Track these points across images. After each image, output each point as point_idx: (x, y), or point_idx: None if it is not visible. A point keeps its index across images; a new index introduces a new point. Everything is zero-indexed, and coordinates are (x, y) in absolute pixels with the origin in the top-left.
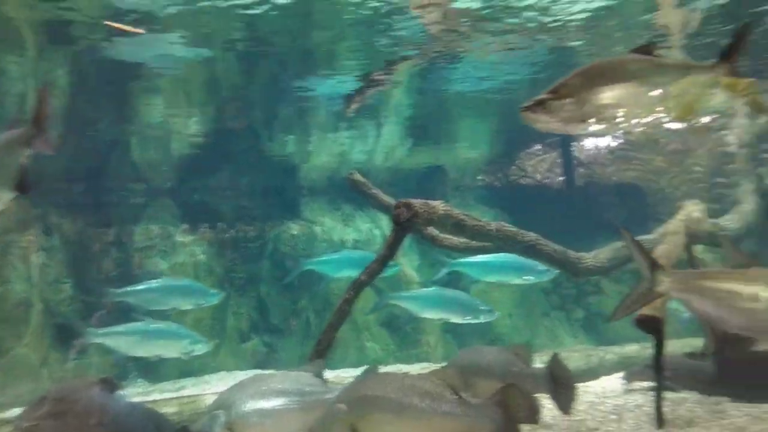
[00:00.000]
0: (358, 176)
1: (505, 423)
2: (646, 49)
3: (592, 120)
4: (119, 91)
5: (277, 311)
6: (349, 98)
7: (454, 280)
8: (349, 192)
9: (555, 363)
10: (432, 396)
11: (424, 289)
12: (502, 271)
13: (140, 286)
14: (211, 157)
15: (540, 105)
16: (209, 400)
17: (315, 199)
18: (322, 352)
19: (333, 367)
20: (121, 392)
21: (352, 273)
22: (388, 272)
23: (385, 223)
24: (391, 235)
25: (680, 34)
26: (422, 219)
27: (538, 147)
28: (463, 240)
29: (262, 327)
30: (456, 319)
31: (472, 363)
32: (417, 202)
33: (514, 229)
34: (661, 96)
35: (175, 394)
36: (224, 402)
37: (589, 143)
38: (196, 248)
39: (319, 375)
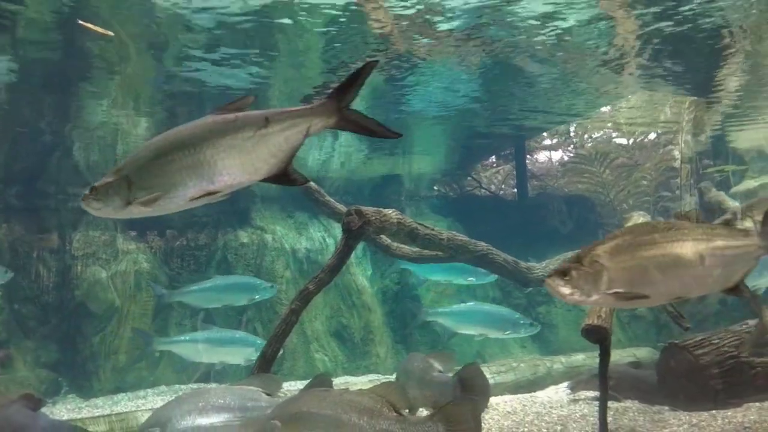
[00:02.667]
0: (311, 183)
1: None
2: (238, 105)
3: (152, 200)
4: (63, 88)
5: (224, 322)
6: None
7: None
8: (302, 200)
9: (465, 371)
10: (370, 412)
11: (463, 304)
12: None
13: (194, 286)
14: None
15: (92, 194)
16: (143, 417)
17: (267, 207)
18: (267, 364)
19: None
20: (44, 410)
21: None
22: (485, 280)
23: (339, 232)
24: (340, 242)
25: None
26: (374, 227)
27: (493, 159)
28: (415, 249)
29: None
30: (496, 334)
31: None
32: (369, 210)
33: (465, 238)
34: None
35: (107, 411)
36: (160, 418)
37: (542, 156)
38: (139, 256)
39: (269, 389)
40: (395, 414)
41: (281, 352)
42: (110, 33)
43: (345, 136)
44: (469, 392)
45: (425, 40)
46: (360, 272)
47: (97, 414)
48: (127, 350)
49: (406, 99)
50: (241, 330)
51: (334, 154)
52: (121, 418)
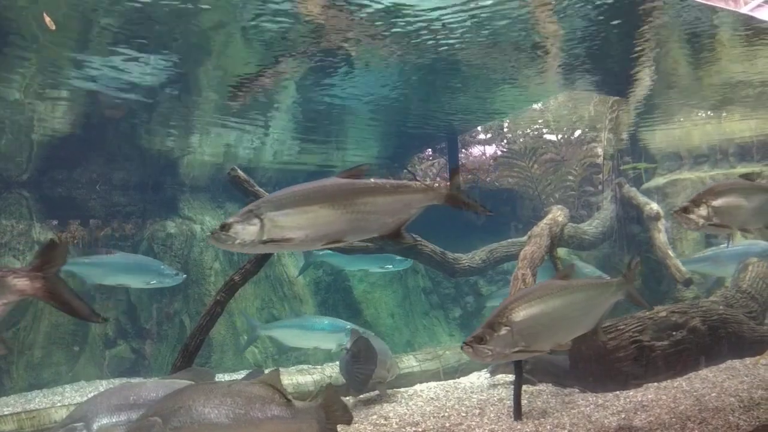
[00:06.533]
0: (239, 173)
1: (327, 424)
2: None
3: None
4: None
5: (149, 315)
6: (233, 92)
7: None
8: (232, 189)
9: (354, 346)
10: (261, 401)
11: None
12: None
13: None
14: (81, 147)
15: None
16: (57, 413)
17: (195, 196)
18: (190, 357)
19: None
20: None
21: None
22: (401, 266)
23: None
24: None
25: None
26: None
27: (429, 152)
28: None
29: (131, 332)
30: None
31: None
32: None
33: None
34: None
35: (18, 409)
36: (86, 413)
37: (476, 150)
38: None
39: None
40: (285, 400)
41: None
42: (53, 27)
43: (276, 125)
44: (360, 363)
45: (354, 33)
46: (291, 263)
47: (6, 412)
48: (43, 345)
49: (337, 90)
50: None
51: (266, 143)
52: (32, 415)
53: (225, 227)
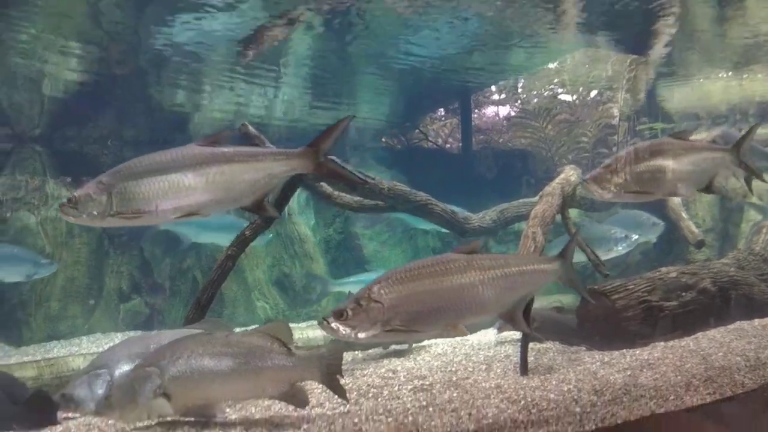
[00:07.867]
0: (250, 129)
1: (327, 371)
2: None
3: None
4: None
5: (162, 270)
6: (244, 45)
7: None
8: (244, 145)
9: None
10: (261, 350)
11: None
12: None
13: None
14: (92, 103)
15: None
16: (74, 361)
17: None
18: (202, 310)
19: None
20: None
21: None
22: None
23: None
24: (276, 189)
25: None
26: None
27: (442, 112)
28: (356, 198)
29: (145, 287)
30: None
31: None
32: None
33: (406, 188)
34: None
35: (37, 358)
36: (108, 360)
37: (489, 111)
38: None
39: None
40: (285, 349)
41: None
42: None
43: (288, 81)
44: None
45: None
46: (303, 221)
47: (26, 360)
48: (60, 298)
49: (350, 47)
50: None
51: (276, 101)
52: (51, 363)
53: (71, 200)
